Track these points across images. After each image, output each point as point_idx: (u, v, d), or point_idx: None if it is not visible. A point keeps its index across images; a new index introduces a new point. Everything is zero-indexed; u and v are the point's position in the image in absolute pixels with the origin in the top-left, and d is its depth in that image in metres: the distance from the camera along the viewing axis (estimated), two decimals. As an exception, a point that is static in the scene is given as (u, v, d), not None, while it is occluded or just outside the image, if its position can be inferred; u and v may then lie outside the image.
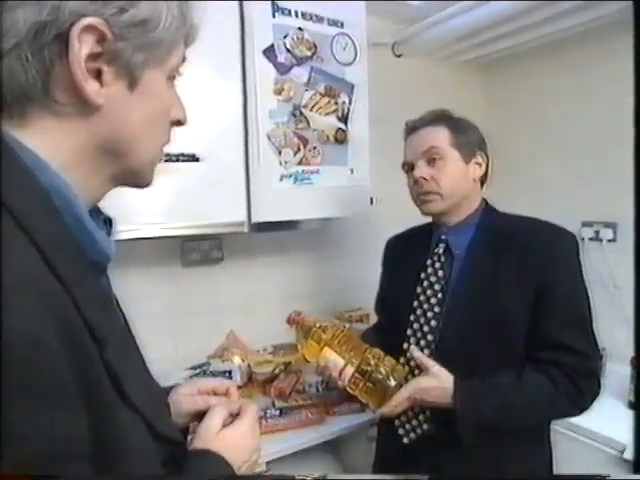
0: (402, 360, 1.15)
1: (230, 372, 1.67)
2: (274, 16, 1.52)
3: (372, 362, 1.06)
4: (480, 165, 1.17)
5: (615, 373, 1.65)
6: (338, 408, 1.56)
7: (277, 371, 1.71)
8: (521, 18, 1.78)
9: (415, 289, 1.18)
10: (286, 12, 1.53)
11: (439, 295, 1.15)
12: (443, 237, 1.18)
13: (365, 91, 1.72)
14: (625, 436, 1.48)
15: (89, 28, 0.41)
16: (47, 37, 0.41)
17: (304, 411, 1.52)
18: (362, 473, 1.55)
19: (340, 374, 1.07)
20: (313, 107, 1.61)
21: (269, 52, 1.52)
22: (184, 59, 0.53)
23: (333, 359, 1.08)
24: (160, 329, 1.74)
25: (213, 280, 1.87)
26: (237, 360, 1.72)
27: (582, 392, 1.04)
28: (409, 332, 1.17)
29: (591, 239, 2.03)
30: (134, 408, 0.48)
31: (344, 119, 1.68)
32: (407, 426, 1.17)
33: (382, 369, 1.05)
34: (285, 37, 1.54)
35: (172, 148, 1.36)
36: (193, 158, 1.41)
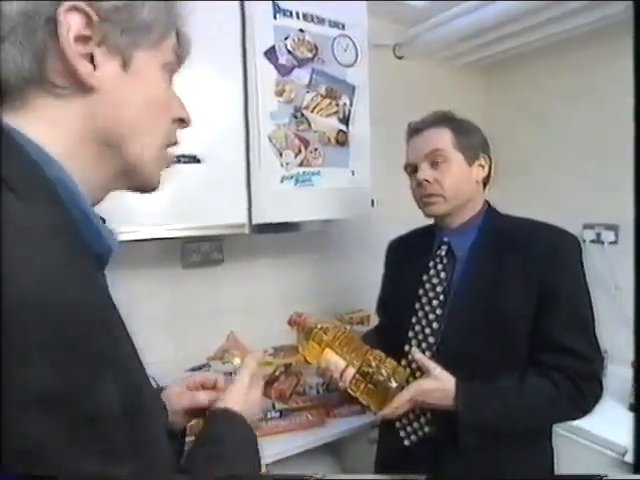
0: (403, 362, 1.15)
1: (230, 374, 1.66)
2: (275, 17, 1.52)
3: (373, 364, 1.06)
4: (483, 167, 1.17)
5: (616, 375, 1.65)
6: (339, 410, 1.55)
7: (277, 373, 1.71)
8: (523, 19, 1.78)
9: (417, 291, 1.18)
10: (287, 13, 1.54)
11: (441, 297, 1.15)
12: (445, 239, 1.18)
13: (366, 93, 1.72)
14: (626, 439, 1.48)
15: (74, 9, 0.43)
16: (38, 21, 0.42)
17: (304, 413, 1.52)
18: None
19: (341, 375, 1.07)
20: (314, 109, 1.61)
21: (270, 53, 1.52)
22: (177, 55, 0.54)
23: (334, 360, 1.08)
24: (160, 331, 1.73)
25: (213, 282, 1.87)
26: (237, 362, 1.71)
27: (584, 395, 1.04)
28: (411, 334, 1.17)
29: (592, 241, 2.03)
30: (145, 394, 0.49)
31: (345, 121, 1.68)
32: (408, 428, 1.17)
33: (383, 371, 1.05)
34: (286, 38, 1.54)
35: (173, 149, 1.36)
36: (194, 159, 1.41)
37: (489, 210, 1.19)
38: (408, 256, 1.28)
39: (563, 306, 1.04)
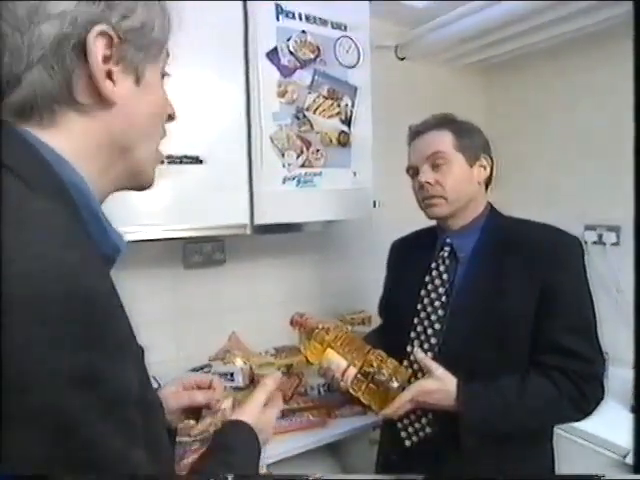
0: (405, 362, 1.15)
1: (232, 374, 1.67)
2: (278, 19, 1.52)
3: (375, 364, 1.06)
4: (484, 168, 1.17)
5: (618, 377, 1.64)
6: (340, 411, 1.56)
7: (279, 373, 1.71)
8: (524, 21, 1.78)
9: (419, 292, 1.18)
10: (290, 15, 1.54)
11: (443, 298, 1.15)
12: (448, 240, 1.18)
13: (368, 94, 1.72)
14: (627, 440, 1.48)
15: (101, 34, 0.47)
16: (68, 46, 0.46)
17: (306, 414, 1.52)
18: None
19: (343, 375, 1.07)
20: (316, 110, 1.61)
21: (272, 55, 1.52)
22: (168, 55, 0.59)
23: (336, 360, 1.08)
24: (162, 331, 1.74)
25: (215, 282, 1.87)
26: (239, 362, 1.71)
27: (586, 397, 1.04)
28: (412, 335, 1.17)
29: (594, 243, 2.03)
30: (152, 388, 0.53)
31: (347, 122, 1.68)
32: (409, 429, 1.17)
33: (385, 371, 1.05)
34: (289, 40, 1.54)
35: (175, 150, 1.36)
36: (196, 160, 1.41)
37: (491, 211, 1.19)
38: (410, 257, 1.28)
39: (565, 307, 1.05)
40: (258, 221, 1.54)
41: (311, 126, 1.61)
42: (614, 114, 1.84)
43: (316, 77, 1.60)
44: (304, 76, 1.58)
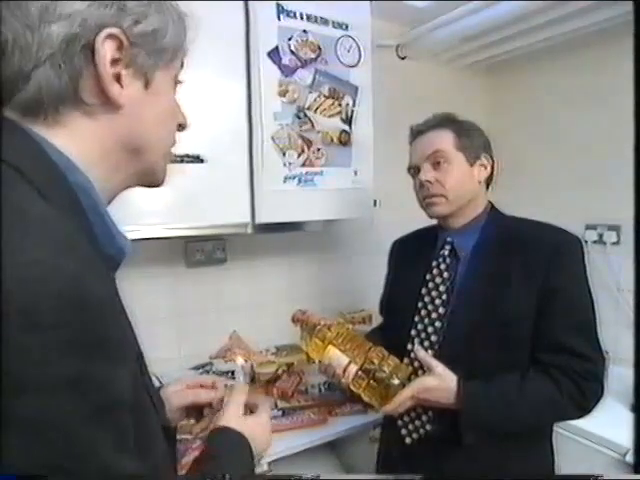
0: (406, 360, 1.15)
1: (233, 372, 1.67)
2: (279, 18, 1.53)
3: (376, 361, 1.06)
4: (485, 167, 1.17)
5: (618, 376, 1.65)
6: (340, 409, 1.56)
7: (280, 372, 1.71)
8: (526, 21, 1.78)
9: (420, 290, 1.19)
10: (291, 14, 1.54)
11: (444, 296, 1.15)
12: (449, 239, 1.19)
13: (369, 93, 1.72)
14: (627, 439, 1.48)
15: (110, 36, 0.47)
16: (77, 47, 0.46)
17: (306, 412, 1.53)
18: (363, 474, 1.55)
19: (344, 372, 1.07)
20: (317, 109, 1.62)
21: (274, 54, 1.52)
22: (182, 65, 0.59)
23: (337, 357, 1.08)
24: (163, 329, 1.75)
25: (216, 281, 1.88)
26: (240, 360, 1.72)
27: (585, 395, 1.04)
28: (413, 333, 1.18)
29: (595, 242, 2.03)
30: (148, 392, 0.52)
31: (348, 121, 1.69)
32: (410, 426, 1.17)
33: (385, 368, 1.05)
34: (290, 39, 1.55)
35: (177, 149, 1.36)
36: (197, 159, 1.42)
37: (492, 210, 1.20)
38: (411, 255, 1.28)
39: (565, 306, 1.05)
40: (259, 220, 1.55)
41: (312, 125, 1.61)
42: (614, 114, 1.84)
43: (317, 76, 1.61)
44: (305, 75, 1.59)
